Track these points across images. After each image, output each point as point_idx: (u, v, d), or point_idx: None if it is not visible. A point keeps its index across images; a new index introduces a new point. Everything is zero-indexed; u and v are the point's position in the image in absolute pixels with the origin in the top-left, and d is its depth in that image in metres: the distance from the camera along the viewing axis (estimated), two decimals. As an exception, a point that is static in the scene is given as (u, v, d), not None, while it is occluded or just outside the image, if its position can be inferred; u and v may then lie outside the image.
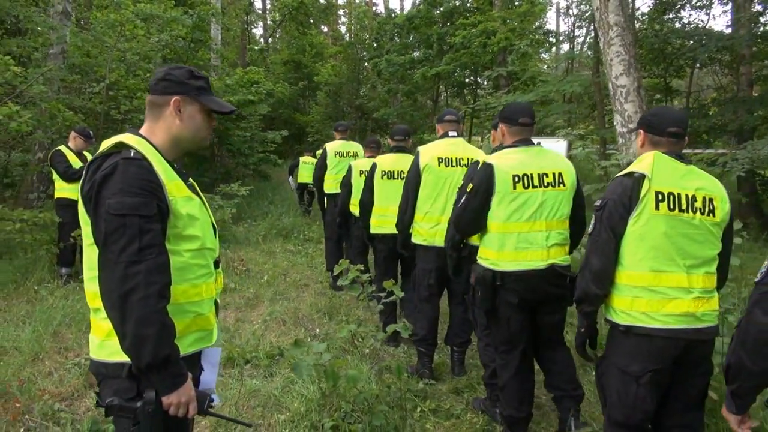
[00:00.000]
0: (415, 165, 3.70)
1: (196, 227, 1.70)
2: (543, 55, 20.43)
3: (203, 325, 1.75)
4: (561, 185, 2.72)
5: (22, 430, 3.01)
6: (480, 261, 2.80)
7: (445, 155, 3.68)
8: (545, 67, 18.75)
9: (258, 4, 30.23)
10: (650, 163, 2.11)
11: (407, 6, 27.24)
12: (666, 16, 11.79)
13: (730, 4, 11.44)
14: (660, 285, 2.09)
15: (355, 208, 5.11)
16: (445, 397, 3.50)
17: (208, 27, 14.67)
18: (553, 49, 20.28)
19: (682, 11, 12.12)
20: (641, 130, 2.25)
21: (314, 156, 11.38)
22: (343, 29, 28.68)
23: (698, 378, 2.16)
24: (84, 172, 1.60)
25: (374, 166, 4.45)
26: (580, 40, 19.83)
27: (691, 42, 9.70)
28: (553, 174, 2.72)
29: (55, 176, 5.90)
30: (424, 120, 18.51)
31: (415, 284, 3.87)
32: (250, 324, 4.88)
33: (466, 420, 3.20)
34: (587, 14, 15.34)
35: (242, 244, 8.58)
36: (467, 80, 18.59)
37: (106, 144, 1.63)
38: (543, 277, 2.66)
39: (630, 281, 2.13)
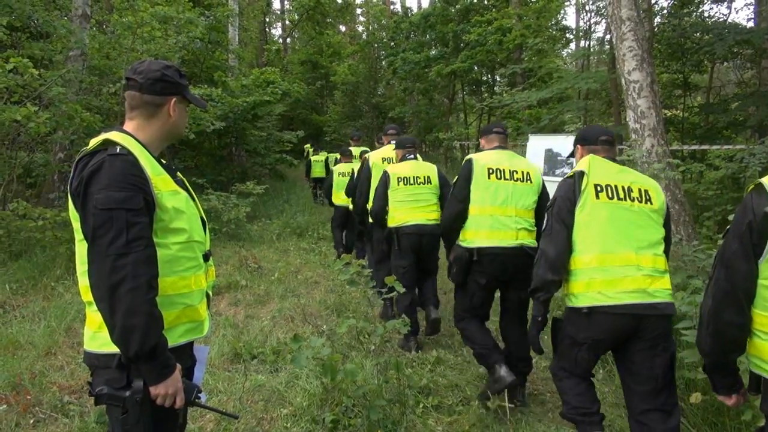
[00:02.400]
0: (366, 166, 5.01)
1: (183, 220, 1.73)
2: (562, 52, 20.18)
3: (193, 316, 1.78)
4: (528, 181, 3.23)
5: (32, 421, 3.09)
6: (459, 242, 3.26)
7: (387, 156, 5.02)
8: (563, 63, 18.52)
9: (276, 5, 30.47)
10: (587, 162, 2.48)
11: (424, 4, 27.09)
12: (685, 10, 11.56)
13: (753, -4, 11.18)
14: (610, 264, 2.31)
15: (336, 200, 6.83)
16: (449, 393, 3.50)
17: (225, 28, 14.83)
18: (572, 45, 20.06)
19: (702, 5, 11.89)
20: (578, 146, 2.69)
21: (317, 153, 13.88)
22: (360, 28, 28.73)
23: (659, 357, 2.28)
24: (72, 169, 1.64)
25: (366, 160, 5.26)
26: (598, 35, 19.58)
27: (710, 36, 9.51)
28: (522, 172, 3.25)
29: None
30: (440, 118, 18.45)
31: (373, 250, 5.02)
32: (258, 320, 4.93)
33: (467, 416, 3.19)
34: (604, 9, 15.14)
35: (256, 242, 8.67)
36: (484, 77, 18.47)
37: (93, 142, 1.68)
38: (514, 255, 3.10)
39: (583, 265, 2.36)
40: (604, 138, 2.57)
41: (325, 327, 4.73)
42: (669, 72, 12.00)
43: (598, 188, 2.37)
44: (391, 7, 28.03)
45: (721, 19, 11.61)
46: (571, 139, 7.12)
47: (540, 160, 7.83)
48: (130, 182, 1.58)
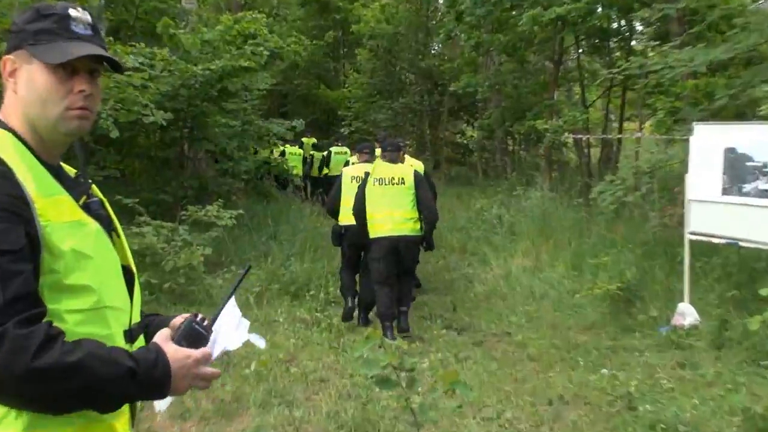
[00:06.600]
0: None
1: (88, 272, 1.76)
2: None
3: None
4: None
5: None
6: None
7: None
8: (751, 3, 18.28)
9: None
10: (374, 165, 8.57)
11: None
12: None
13: None
14: (375, 218, 8.17)
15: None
16: None
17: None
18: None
19: None
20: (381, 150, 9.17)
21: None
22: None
23: (408, 260, 8.29)
24: None
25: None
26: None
27: None
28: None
29: None
30: (538, 95, 18.45)
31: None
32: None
33: None
34: None
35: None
36: (613, 25, 18.43)
37: None
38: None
39: (370, 216, 8.21)
40: (389, 148, 8.57)
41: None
42: None
43: (374, 180, 8.13)
44: None
45: None
46: None
47: (718, 166, 7.69)
48: (1, 208, 1.62)
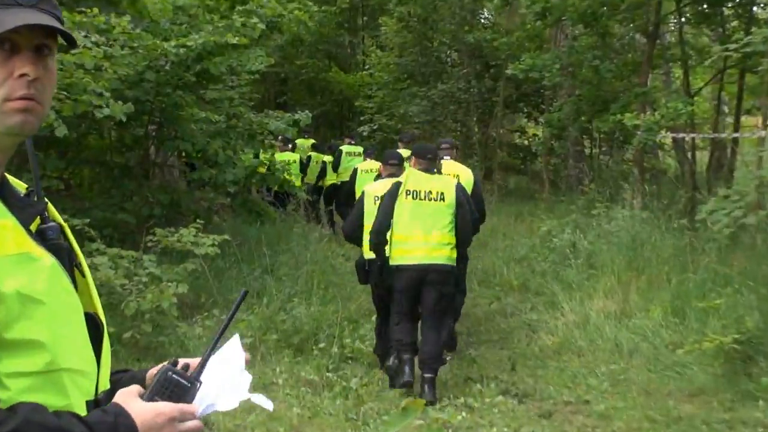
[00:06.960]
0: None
1: (38, 322, 1.75)
2: None
3: None
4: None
5: None
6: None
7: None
8: None
9: None
10: (406, 175, 9.30)
11: None
12: None
13: None
14: (405, 241, 9.01)
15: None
16: None
17: None
18: None
19: None
20: (413, 157, 9.51)
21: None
22: None
23: (437, 295, 8.82)
24: None
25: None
26: None
27: None
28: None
29: None
30: (627, 80, 18.39)
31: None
32: None
33: None
34: None
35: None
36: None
37: None
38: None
39: (395, 241, 9.06)
40: (429, 156, 9.23)
41: None
42: None
43: (406, 192, 8.82)
44: None
45: None
46: None
47: None
48: None
